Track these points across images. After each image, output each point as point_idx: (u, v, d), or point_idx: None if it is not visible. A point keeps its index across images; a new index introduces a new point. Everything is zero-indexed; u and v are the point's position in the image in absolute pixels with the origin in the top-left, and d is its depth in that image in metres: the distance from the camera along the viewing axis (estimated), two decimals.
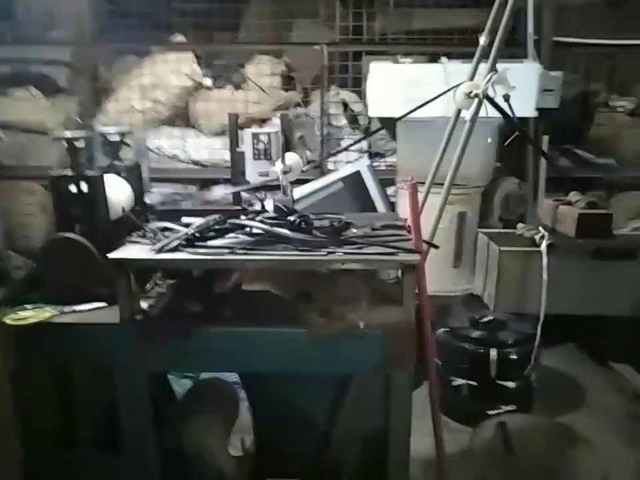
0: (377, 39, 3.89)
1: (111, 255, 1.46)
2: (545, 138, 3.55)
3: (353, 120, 3.66)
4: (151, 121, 3.69)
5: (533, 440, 2.07)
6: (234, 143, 1.94)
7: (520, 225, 1.97)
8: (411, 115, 3.33)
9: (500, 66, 1.79)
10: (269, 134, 1.87)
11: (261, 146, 1.88)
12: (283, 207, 1.66)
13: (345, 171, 3.54)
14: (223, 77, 3.62)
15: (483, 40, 1.95)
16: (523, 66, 3.25)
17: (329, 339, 1.45)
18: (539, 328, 1.70)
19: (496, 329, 2.72)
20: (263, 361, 1.50)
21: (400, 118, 2.06)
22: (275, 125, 1.92)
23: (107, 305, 1.60)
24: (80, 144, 1.69)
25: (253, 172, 1.90)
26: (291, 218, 1.55)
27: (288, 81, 3.65)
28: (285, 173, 1.68)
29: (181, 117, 3.75)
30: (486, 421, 2.14)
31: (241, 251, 1.44)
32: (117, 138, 1.95)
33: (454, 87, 1.85)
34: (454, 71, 3.26)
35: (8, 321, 1.49)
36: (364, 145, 3.68)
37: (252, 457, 2.08)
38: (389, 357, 1.45)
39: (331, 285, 1.64)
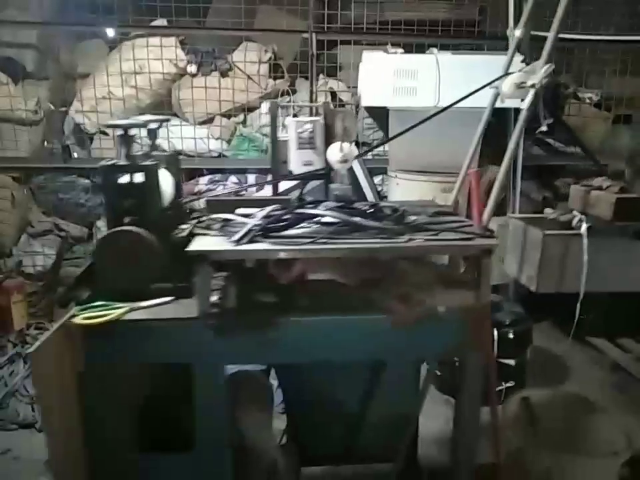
0: (352, 28, 3.90)
1: (191, 248, 1.41)
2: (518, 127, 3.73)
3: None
4: (131, 108, 3.54)
5: (555, 412, 2.20)
6: (274, 132, 1.91)
7: (548, 210, 2.08)
8: (403, 105, 3.41)
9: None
10: (314, 123, 1.86)
11: (305, 135, 1.87)
12: (344, 196, 1.66)
13: None
14: (208, 64, 3.52)
15: (518, 32, 2.03)
16: (515, 58, 3.38)
17: (410, 324, 1.48)
18: (578, 306, 1.82)
19: (493, 310, 2.86)
20: (341, 349, 1.51)
21: (444, 109, 2.08)
22: (318, 115, 1.91)
23: (172, 299, 1.54)
24: (133, 132, 1.61)
25: (297, 161, 1.89)
26: (362, 206, 1.57)
27: (275, 69, 3.61)
28: (343, 162, 1.68)
29: (163, 105, 3.62)
30: (510, 397, 2.25)
31: (322, 240, 1.44)
32: (155, 126, 1.86)
33: (500, 78, 1.91)
34: (445, 61, 3.37)
35: (78, 321, 1.41)
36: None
37: (295, 446, 2.08)
38: (466, 340, 1.51)
39: (396, 272, 1.67)
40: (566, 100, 4.02)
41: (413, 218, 1.65)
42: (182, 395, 1.91)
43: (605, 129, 4.03)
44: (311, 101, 3.54)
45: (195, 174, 3.71)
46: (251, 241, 1.44)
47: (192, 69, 3.50)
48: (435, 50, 3.39)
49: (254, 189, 3.69)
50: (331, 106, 2.25)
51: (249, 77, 3.52)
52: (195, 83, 3.51)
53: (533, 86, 1.64)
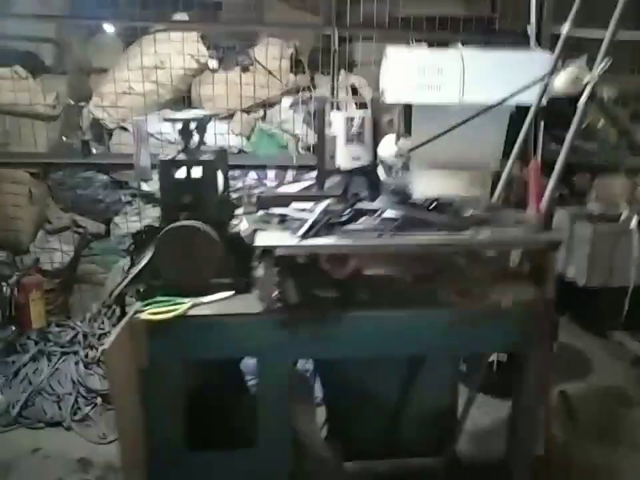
0: (374, 23, 3.88)
1: (258, 243, 1.40)
2: (541, 123, 3.75)
3: (361, 106, 3.66)
4: (151, 104, 3.51)
5: (592, 405, 2.21)
6: (322, 127, 1.90)
7: (591, 205, 2.09)
8: (427, 101, 3.40)
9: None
10: (362, 118, 1.85)
11: (354, 130, 1.86)
12: (401, 190, 1.66)
13: None
14: (229, 59, 3.50)
15: (566, 28, 2.03)
16: (535, 55, 3.39)
17: (473, 319, 1.48)
18: (627, 301, 1.82)
19: None
20: (404, 343, 1.50)
21: (490, 107, 2.07)
22: (365, 109, 1.90)
23: (233, 293, 1.53)
24: (193, 126, 1.59)
25: (346, 156, 1.88)
26: (421, 201, 1.56)
27: (297, 65, 3.59)
28: (400, 156, 1.67)
29: (184, 101, 3.58)
30: None
31: (388, 235, 1.43)
32: (205, 121, 1.84)
33: (552, 73, 1.90)
34: (470, 56, 3.36)
35: (144, 316, 1.39)
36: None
37: (339, 441, 2.07)
38: (529, 334, 1.51)
39: (452, 266, 1.67)
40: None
41: (469, 212, 1.64)
42: (231, 391, 1.91)
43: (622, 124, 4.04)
44: (332, 96, 3.52)
45: None
46: (315, 236, 1.43)
47: (213, 64, 3.47)
48: (459, 45, 3.38)
49: (274, 184, 3.68)
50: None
51: (270, 73, 3.50)
52: (215, 78, 3.48)
53: (592, 81, 1.63)
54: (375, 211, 1.55)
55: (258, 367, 1.46)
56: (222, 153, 1.84)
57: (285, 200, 1.75)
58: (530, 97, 3.27)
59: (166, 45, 3.38)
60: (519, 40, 3.84)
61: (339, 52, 3.55)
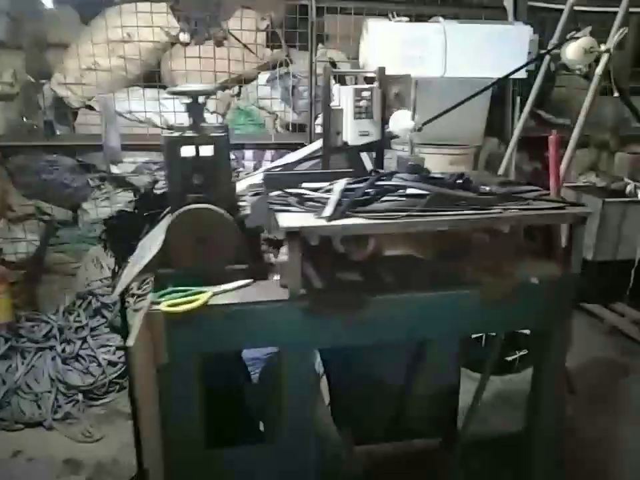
0: None
1: (283, 225, 1.30)
2: (518, 99, 3.77)
3: (340, 80, 3.56)
4: (118, 80, 3.30)
5: (591, 378, 2.24)
6: (327, 100, 1.80)
7: (592, 178, 2.08)
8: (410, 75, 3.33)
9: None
10: (371, 90, 1.77)
11: (363, 103, 1.77)
12: (418, 166, 1.59)
13: None
14: (202, 32, 3.32)
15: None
16: (515, 28, 3.37)
17: (503, 297, 1.44)
18: (633, 273, 1.84)
19: None
20: (434, 325, 1.45)
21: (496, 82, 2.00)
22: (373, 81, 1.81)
23: (251, 281, 1.43)
24: (202, 100, 1.46)
25: (354, 132, 1.79)
26: (445, 177, 1.50)
27: (273, 38, 3.44)
28: (418, 130, 1.61)
29: (154, 77, 3.38)
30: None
31: (418, 213, 1.37)
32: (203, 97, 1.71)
33: (560, 44, 1.86)
34: (452, 29, 3.31)
35: (163, 308, 1.28)
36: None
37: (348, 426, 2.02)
38: (554, 311, 1.48)
39: (474, 244, 1.62)
40: (557, 71, 4.06)
41: (486, 188, 1.59)
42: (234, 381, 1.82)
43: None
44: (311, 72, 3.41)
45: None
46: (342, 216, 1.35)
47: (185, 37, 3.29)
48: (440, 19, 3.32)
49: (252, 164, 3.56)
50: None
51: (245, 46, 3.34)
52: (187, 52, 3.30)
53: (607, 51, 1.60)
54: (397, 187, 1.48)
55: (281, 357, 1.38)
56: (225, 129, 1.72)
57: (294, 179, 1.65)
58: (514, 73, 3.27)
59: (133, 16, 3.16)
60: (495, 14, 3.84)
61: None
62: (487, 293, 1.44)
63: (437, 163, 3.37)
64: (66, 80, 3.21)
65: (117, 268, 3.13)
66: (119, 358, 2.90)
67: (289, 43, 3.47)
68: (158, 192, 3.46)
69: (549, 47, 1.99)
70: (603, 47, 1.64)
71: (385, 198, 1.46)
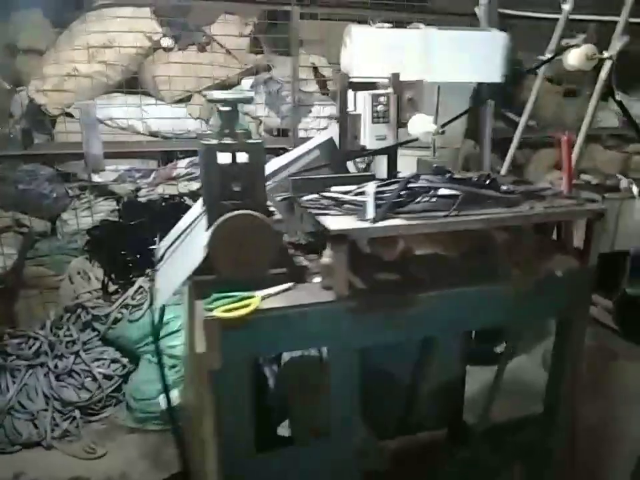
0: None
1: (332, 227, 1.33)
2: (491, 102, 3.93)
3: (322, 85, 3.61)
4: (99, 86, 3.23)
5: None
6: (344, 105, 1.84)
7: (584, 176, 2.21)
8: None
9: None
10: (387, 95, 1.82)
11: (380, 108, 1.82)
12: (442, 168, 1.65)
13: (319, 138, 3.50)
14: (185, 37, 3.29)
15: (567, 6, 2.10)
16: (490, 34, 3.51)
17: (533, 289, 1.52)
18: (628, 265, 1.97)
19: None
20: (470, 319, 1.52)
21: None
22: (387, 86, 1.86)
23: (292, 284, 1.45)
24: (241, 107, 1.47)
25: (371, 136, 1.83)
26: (474, 177, 1.57)
27: (255, 43, 3.45)
28: (440, 133, 1.67)
29: (134, 83, 3.32)
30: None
31: (455, 213, 1.43)
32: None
33: (563, 50, 1.97)
34: (432, 35, 3.41)
35: (219, 314, 1.28)
36: (333, 110, 3.67)
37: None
38: (575, 301, 1.58)
39: (508, 240, 1.70)
40: (524, 75, 4.26)
41: (505, 187, 1.67)
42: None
43: (557, 102, 4.33)
44: (294, 77, 3.44)
45: (171, 157, 3.48)
46: (384, 218, 1.39)
47: (167, 42, 3.25)
48: (421, 25, 3.42)
49: None
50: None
51: (228, 52, 3.33)
52: (170, 58, 3.26)
53: (610, 57, 1.72)
54: (427, 189, 1.54)
55: (330, 357, 1.41)
56: (247, 135, 1.73)
57: (320, 183, 1.68)
58: (487, 77, 3.42)
59: (114, 21, 3.10)
60: (463, 20, 3.99)
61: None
62: (517, 285, 1.52)
63: (414, 165, 3.48)
64: (44, 87, 3.10)
65: (106, 279, 3.08)
66: (114, 371, 2.84)
67: (270, 49, 3.48)
68: (142, 200, 3.43)
69: (547, 54, 2.10)
70: (605, 54, 1.76)
71: (417, 199, 1.51)
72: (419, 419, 2.34)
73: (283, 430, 2.11)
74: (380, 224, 1.36)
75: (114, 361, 2.85)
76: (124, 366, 2.86)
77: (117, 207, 3.38)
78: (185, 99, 3.37)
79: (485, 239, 1.68)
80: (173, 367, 2.71)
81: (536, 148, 4.49)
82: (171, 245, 1.64)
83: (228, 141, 1.45)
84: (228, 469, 1.35)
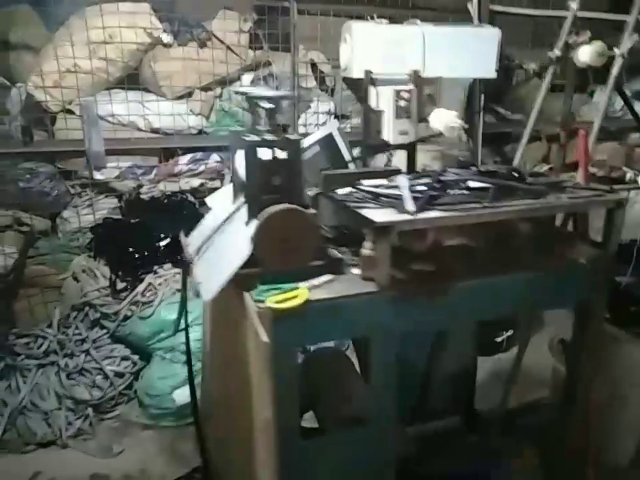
0: None
1: (378, 220, 1.37)
2: (482, 96, 4.02)
3: (321, 81, 3.64)
4: (99, 83, 3.20)
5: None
6: (367, 101, 1.88)
7: (590, 168, 2.30)
8: (388, 74, 3.46)
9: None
10: (410, 91, 1.87)
11: (402, 103, 1.87)
12: (467, 161, 1.71)
13: (319, 133, 3.54)
14: (184, 33, 3.28)
15: (574, 5, 2.17)
16: (485, 30, 3.58)
17: (557, 277, 1.60)
18: (635, 252, 2.06)
19: None
20: (501, 306, 1.58)
21: None
22: (408, 83, 1.91)
23: (333, 276, 1.49)
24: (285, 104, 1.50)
25: (394, 131, 1.88)
26: (502, 170, 1.63)
27: (255, 39, 3.46)
28: (464, 129, 1.73)
29: (134, 79, 3.30)
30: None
31: (489, 204, 1.49)
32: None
33: (571, 47, 2.04)
34: (429, 31, 3.47)
35: (272, 306, 1.31)
36: (331, 106, 3.71)
37: None
38: (596, 289, 1.66)
39: (519, 231, 1.77)
40: (514, 70, 4.36)
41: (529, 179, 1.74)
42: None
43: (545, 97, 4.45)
44: (293, 73, 3.46)
45: (172, 154, 3.47)
46: (423, 210, 1.44)
47: (168, 38, 3.23)
48: (418, 21, 3.47)
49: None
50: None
51: (228, 48, 3.34)
52: (170, 54, 3.25)
53: (622, 55, 1.80)
54: (457, 182, 1.59)
55: (372, 345, 1.45)
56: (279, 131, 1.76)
57: (350, 178, 1.73)
58: (481, 72, 3.50)
59: (115, 17, 3.07)
60: (458, 17, 4.06)
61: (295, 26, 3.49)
62: (544, 273, 1.59)
63: (422, 159, 3.55)
64: (44, 83, 3.06)
65: (113, 277, 3.07)
66: (125, 368, 2.84)
67: (269, 45, 3.50)
68: (144, 197, 3.41)
69: (556, 51, 2.17)
70: (617, 51, 1.84)
71: (449, 192, 1.57)
72: (433, 407, 2.41)
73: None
74: (422, 215, 1.41)
75: (124, 358, 2.85)
76: (134, 363, 2.86)
77: (119, 204, 3.36)
78: (186, 95, 3.36)
79: (507, 229, 1.75)
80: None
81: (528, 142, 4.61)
82: (207, 240, 1.65)
83: (270, 137, 1.48)
84: (283, 456, 1.39)
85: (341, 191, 1.64)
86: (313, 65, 3.59)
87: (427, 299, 1.48)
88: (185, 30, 3.26)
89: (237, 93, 1.57)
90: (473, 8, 3.80)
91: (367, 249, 1.46)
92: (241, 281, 1.43)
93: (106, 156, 3.22)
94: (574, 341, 1.81)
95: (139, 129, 3.31)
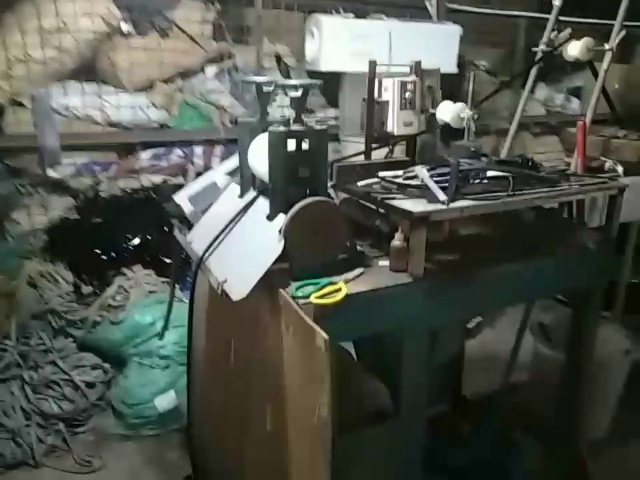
0: None
1: (415, 210, 1.36)
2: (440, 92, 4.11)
3: (286, 75, 3.58)
4: (53, 74, 2.97)
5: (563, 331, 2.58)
6: (372, 93, 1.86)
7: (567, 159, 2.40)
8: (360, 69, 3.45)
9: None
10: (414, 82, 1.87)
11: (408, 95, 1.86)
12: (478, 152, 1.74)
13: None
14: (145, 22, 3.11)
15: (557, 2, 2.25)
16: (447, 27, 3.67)
17: (570, 261, 1.66)
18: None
19: None
20: (524, 291, 1.63)
21: None
22: (410, 75, 1.90)
23: (364, 269, 1.46)
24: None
25: (399, 122, 1.88)
26: (517, 159, 1.67)
27: (218, 30, 3.34)
28: (474, 119, 1.75)
29: (91, 70, 3.09)
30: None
31: (512, 193, 1.51)
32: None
33: (559, 43, 2.11)
34: (394, 27, 3.50)
35: (315, 301, 1.26)
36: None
37: None
38: (601, 270, 1.74)
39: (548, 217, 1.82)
40: (466, 67, 4.49)
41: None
42: None
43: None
44: (258, 65, 3.39)
45: (130, 149, 3.28)
46: (454, 200, 1.44)
47: (127, 27, 3.05)
48: (383, 16, 3.50)
49: (201, 161, 3.43)
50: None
51: (191, 38, 3.20)
52: (130, 44, 3.07)
53: (611, 49, 1.89)
54: (476, 172, 1.61)
55: (410, 337, 1.44)
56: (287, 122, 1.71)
57: (366, 170, 1.71)
58: (443, 67, 3.58)
59: (70, 3, 2.86)
60: (416, 13, 4.13)
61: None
62: (558, 258, 1.64)
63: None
64: None
65: (77, 281, 2.86)
66: (96, 378, 2.66)
67: (233, 36, 3.40)
68: (104, 195, 3.21)
69: (542, 46, 2.24)
70: (606, 46, 1.93)
71: (470, 181, 1.58)
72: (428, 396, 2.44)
73: None
74: (455, 205, 1.41)
75: (95, 367, 2.67)
76: (106, 372, 2.69)
77: (76, 204, 3.14)
78: (147, 88, 3.19)
79: (516, 217, 1.79)
80: (166, 367, 2.60)
81: (477, 135, 4.77)
82: (218, 237, 1.56)
83: (297, 127, 1.42)
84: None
85: (361, 183, 1.61)
86: (277, 59, 3.52)
87: (460, 287, 1.48)
88: (145, 19, 3.09)
89: (260, 83, 1.49)
90: (431, 5, 3.88)
91: (398, 241, 1.45)
92: (274, 278, 1.37)
93: (60, 151, 3.00)
94: (573, 326, 1.89)
95: (96, 123, 3.10)
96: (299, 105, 1.43)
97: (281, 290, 1.34)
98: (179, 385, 2.55)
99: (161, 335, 2.37)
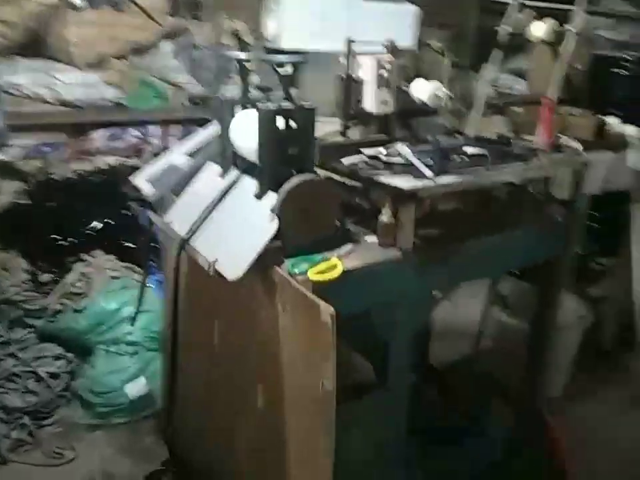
0: None
1: (405, 186, 1.38)
2: None
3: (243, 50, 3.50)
4: None
5: (521, 298, 2.71)
6: (349, 70, 1.86)
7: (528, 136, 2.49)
8: (320, 48, 3.42)
9: None
10: (391, 61, 1.89)
11: (384, 73, 1.88)
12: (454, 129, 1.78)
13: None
14: None
15: None
16: (406, 7, 3.69)
17: (543, 233, 1.74)
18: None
19: None
20: (503, 262, 1.71)
21: None
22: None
23: (353, 245, 1.48)
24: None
25: (375, 101, 1.89)
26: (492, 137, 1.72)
27: (174, 5, 3.23)
28: (452, 98, 1.79)
29: (39, 46, 2.92)
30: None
31: (493, 167, 1.57)
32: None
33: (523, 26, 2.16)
34: (354, 5, 3.48)
35: (313, 277, 1.27)
36: (255, 78, 3.59)
37: None
38: (569, 241, 1.84)
39: (500, 196, 1.88)
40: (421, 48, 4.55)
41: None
42: None
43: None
44: (216, 42, 3.31)
45: (81, 129, 3.14)
46: (439, 175, 1.48)
47: (80, 0, 2.89)
48: None
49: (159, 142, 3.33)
50: None
51: (146, 13, 3.08)
52: (81, 18, 2.92)
53: (576, 33, 1.96)
54: (454, 149, 1.65)
55: (400, 310, 1.48)
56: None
57: (348, 148, 1.71)
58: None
59: None
60: None
61: None
62: (535, 231, 1.73)
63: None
64: None
65: (33, 269, 2.73)
66: (59, 368, 2.56)
67: (189, 12, 3.30)
68: (57, 178, 3.06)
69: (507, 27, 2.30)
70: (571, 28, 2.00)
71: (451, 158, 1.63)
72: None
73: None
74: (442, 181, 1.45)
75: (57, 357, 2.57)
76: (69, 361, 2.59)
77: (27, 188, 2.98)
78: (100, 64, 3.05)
79: (488, 193, 1.86)
80: (135, 353, 2.54)
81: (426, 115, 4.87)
82: (202, 217, 1.53)
83: (287, 105, 1.41)
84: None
85: (346, 161, 1.62)
86: (236, 35, 3.44)
87: (447, 259, 1.53)
88: None
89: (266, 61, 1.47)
90: None
91: (385, 217, 1.47)
92: (268, 256, 1.36)
93: (8, 132, 2.83)
94: (542, 294, 1.99)
95: (46, 102, 2.94)
96: (288, 83, 1.42)
97: (276, 267, 1.33)
98: (148, 371, 2.50)
99: (132, 321, 2.30)
